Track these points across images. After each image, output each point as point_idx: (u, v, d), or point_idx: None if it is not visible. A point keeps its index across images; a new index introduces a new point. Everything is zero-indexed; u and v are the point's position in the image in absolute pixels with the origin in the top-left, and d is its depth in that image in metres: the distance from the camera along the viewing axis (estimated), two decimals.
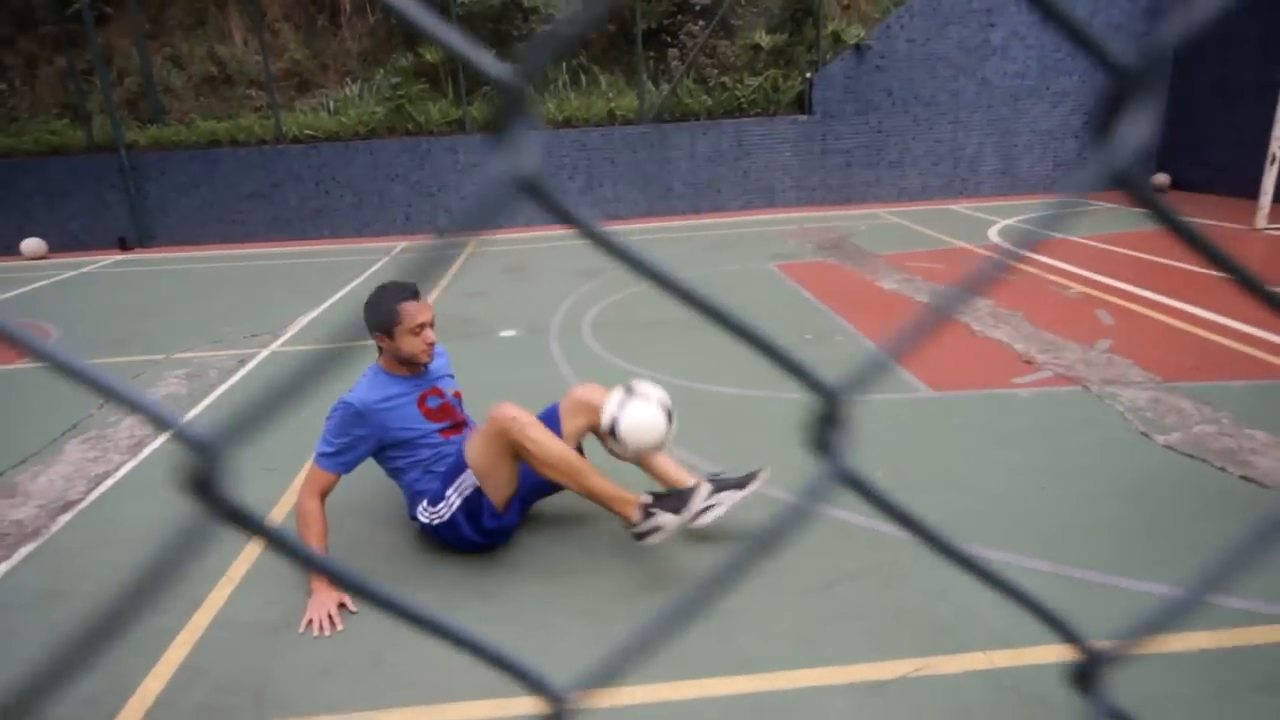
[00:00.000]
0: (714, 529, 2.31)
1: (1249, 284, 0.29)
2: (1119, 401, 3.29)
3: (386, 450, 2.35)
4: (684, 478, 2.38)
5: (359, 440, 2.28)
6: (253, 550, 2.47)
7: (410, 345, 2.31)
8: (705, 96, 9.63)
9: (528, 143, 0.23)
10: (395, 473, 2.42)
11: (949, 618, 2.01)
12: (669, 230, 8.90)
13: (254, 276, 7.55)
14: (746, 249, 7.40)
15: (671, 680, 1.83)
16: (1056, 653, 1.83)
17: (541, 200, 0.24)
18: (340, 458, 2.26)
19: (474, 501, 2.27)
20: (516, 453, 2.22)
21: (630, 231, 8.76)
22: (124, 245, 9.68)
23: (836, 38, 9.45)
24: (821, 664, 1.87)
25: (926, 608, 2.06)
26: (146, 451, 3.34)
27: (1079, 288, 5.19)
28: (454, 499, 2.28)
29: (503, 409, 2.22)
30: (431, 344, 2.35)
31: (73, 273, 8.21)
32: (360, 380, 2.37)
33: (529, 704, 1.60)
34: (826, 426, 0.30)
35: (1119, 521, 2.41)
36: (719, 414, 3.42)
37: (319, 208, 9.68)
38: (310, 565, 0.27)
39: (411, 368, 2.39)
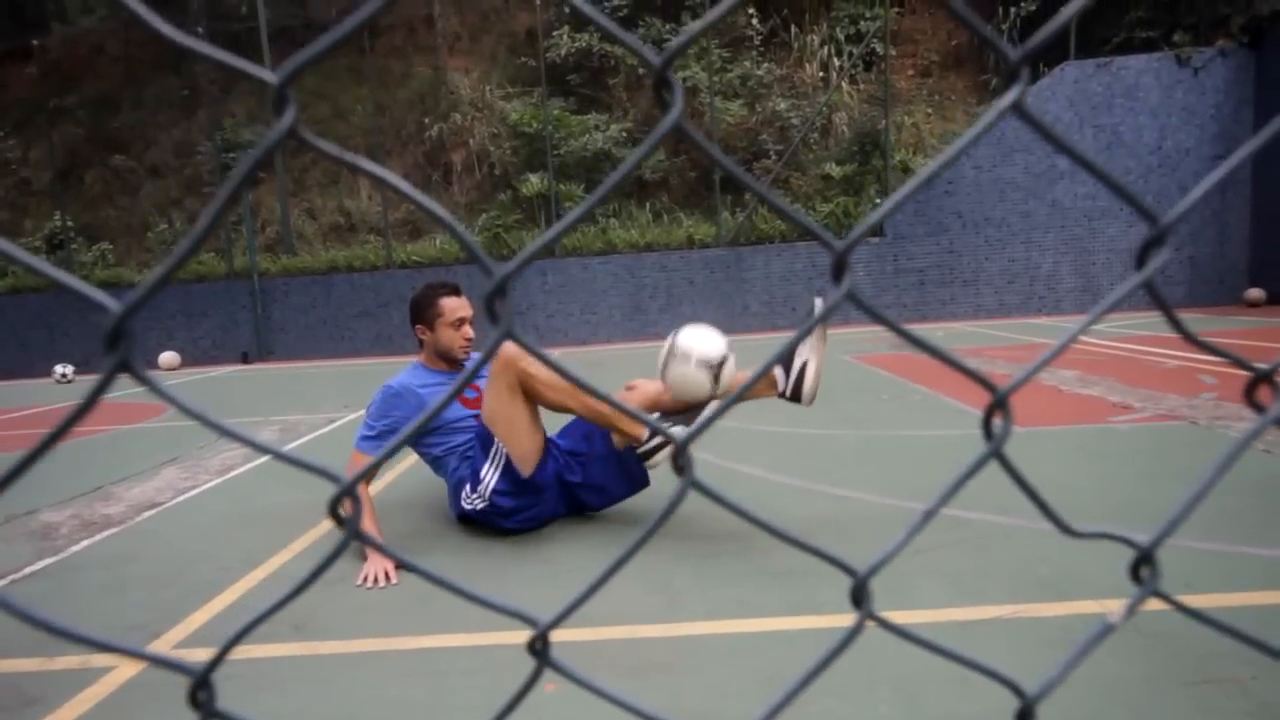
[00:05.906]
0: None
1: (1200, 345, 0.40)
2: (1234, 430, 2.99)
3: (424, 437, 2.37)
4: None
5: (399, 422, 2.30)
6: (315, 531, 2.50)
7: (449, 338, 2.38)
8: (779, 222, 10.15)
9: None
10: (437, 464, 2.41)
11: (1048, 576, 1.79)
12: (745, 342, 9.02)
13: (355, 377, 8.08)
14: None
15: (736, 618, 1.72)
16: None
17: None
18: (381, 440, 2.30)
19: (510, 471, 2.21)
20: (525, 389, 2.14)
21: None
22: (245, 359, 10.64)
23: (905, 167, 9.95)
24: (906, 609, 1.68)
25: (1022, 570, 1.84)
26: (232, 474, 3.50)
27: (1175, 363, 4.87)
28: (490, 476, 2.23)
29: (504, 348, 2.16)
30: (470, 340, 2.41)
31: (198, 377, 9.04)
32: (402, 371, 2.46)
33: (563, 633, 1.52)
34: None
35: (1242, 509, 2.13)
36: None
37: None
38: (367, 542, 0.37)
39: (450, 363, 2.45)
